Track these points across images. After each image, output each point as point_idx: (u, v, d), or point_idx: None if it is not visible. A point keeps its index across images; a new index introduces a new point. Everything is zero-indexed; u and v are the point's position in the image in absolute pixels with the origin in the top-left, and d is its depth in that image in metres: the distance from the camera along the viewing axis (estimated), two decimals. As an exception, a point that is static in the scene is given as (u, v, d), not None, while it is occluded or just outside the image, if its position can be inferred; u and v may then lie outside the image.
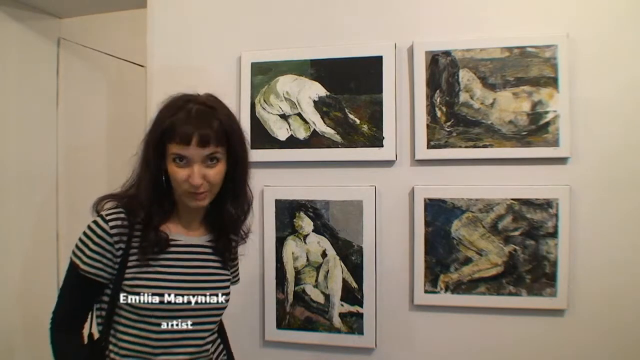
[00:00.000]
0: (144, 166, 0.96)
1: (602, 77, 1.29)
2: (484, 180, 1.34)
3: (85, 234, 0.93)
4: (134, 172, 0.99)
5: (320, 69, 1.41)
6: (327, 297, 1.40)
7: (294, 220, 1.42)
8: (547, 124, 1.29)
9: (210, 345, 1.03)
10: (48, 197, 1.95)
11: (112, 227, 0.92)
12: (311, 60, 1.42)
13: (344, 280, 1.39)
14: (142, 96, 1.58)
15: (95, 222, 0.93)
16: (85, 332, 0.98)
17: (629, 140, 1.28)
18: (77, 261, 0.92)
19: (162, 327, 0.93)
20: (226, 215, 1.05)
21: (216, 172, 0.95)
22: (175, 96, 0.98)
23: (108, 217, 0.93)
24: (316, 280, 1.41)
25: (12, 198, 1.80)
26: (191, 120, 0.92)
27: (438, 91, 1.35)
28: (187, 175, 0.92)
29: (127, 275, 0.93)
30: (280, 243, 1.43)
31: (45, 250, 1.94)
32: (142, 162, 0.97)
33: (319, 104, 1.41)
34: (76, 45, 2.05)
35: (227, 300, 1.04)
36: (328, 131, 1.40)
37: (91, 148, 2.21)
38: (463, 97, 1.33)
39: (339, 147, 1.40)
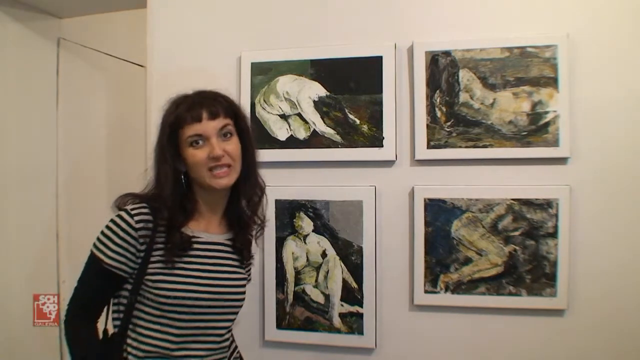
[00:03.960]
0: (161, 166, 0.98)
1: (602, 77, 1.29)
2: (484, 180, 1.34)
3: (109, 227, 0.94)
4: (151, 179, 1.01)
5: (320, 69, 1.41)
6: (327, 297, 1.40)
7: (294, 220, 1.42)
8: (547, 124, 1.29)
9: (228, 342, 1.06)
10: (48, 197, 1.95)
11: (137, 222, 0.93)
12: (311, 60, 1.42)
13: (344, 280, 1.39)
14: (142, 96, 1.58)
15: (119, 216, 0.95)
16: (100, 326, 0.99)
17: (629, 140, 1.28)
18: (100, 255, 0.93)
19: (183, 322, 0.95)
20: (243, 211, 1.08)
21: (234, 146, 0.99)
22: (170, 99, 1.02)
23: (133, 212, 0.94)
24: (316, 280, 1.41)
25: (12, 198, 1.80)
26: (196, 101, 0.98)
27: (438, 91, 1.35)
28: (206, 152, 0.95)
29: (149, 271, 0.94)
30: (280, 243, 1.43)
31: (45, 250, 1.94)
32: (159, 163, 0.99)
33: (319, 104, 1.41)
34: (76, 45, 2.05)
35: (243, 299, 1.06)
36: (328, 131, 1.40)
37: (91, 148, 2.21)
38: (463, 97, 1.33)
39: (339, 147, 1.40)
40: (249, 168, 1.05)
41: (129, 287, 0.95)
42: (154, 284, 0.93)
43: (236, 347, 1.15)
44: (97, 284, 0.96)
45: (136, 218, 0.94)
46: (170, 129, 0.97)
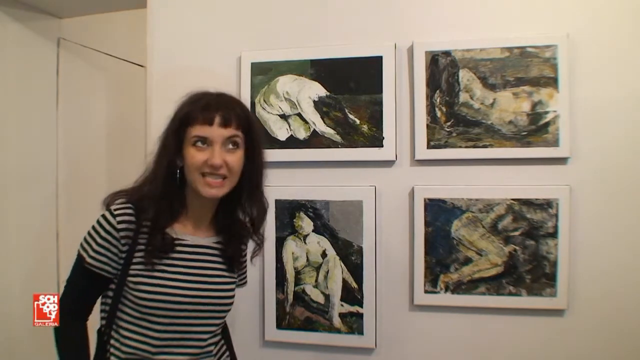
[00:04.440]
0: (160, 159, 0.96)
1: (602, 77, 1.29)
2: (484, 180, 1.34)
3: (93, 227, 0.94)
4: (148, 167, 0.99)
5: (320, 69, 1.41)
6: (327, 297, 1.40)
7: (294, 220, 1.42)
8: (547, 124, 1.29)
9: (213, 347, 1.03)
10: (48, 197, 1.95)
11: (119, 222, 0.92)
12: (311, 60, 1.42)
13: (344, 280, 1.39)
14: (142, 96, 1.58)
15: (103, 216, 0.94)
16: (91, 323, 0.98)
17: (629, 140, 1.28)
18: (84, 254, 0.93)
19: (162, 326, 0.93)
20: (237, 219, 1.06)
21: (236, 158, 0.95)
22: (190, 92, 0.99)
23: (116, 212, 0.93)
24: (316, 281, 1.41)
25: (12, 198, 1.80)
26: (213, 103, 0.95)
27: (438, 91, 1.35)
28: (206, 157, 0.92)
29: (131, 272, 0.93)
30: (280, 243, 1.43)
31: (45, 250, 1.94)
32: (159, 156, 0.97)
33: (319, 104, 1.41)
34: (76, 45, 2.05)
35: (230, 303, 1.03)
36: (328, 131, 1.40)
37: (91, 148, 2.21)
38: (463, 97, 1.33)
39: (339, 147, 1.40)
40: (254, 185, 1.02)
41: (113, 286, 0.95)
42: (135, 286, 0.92)
43: (226, 350, 1.11)
44: (82, 283, 0.95)
45: (118, 219, 0.92)
46: (180, 123, 0.95)
